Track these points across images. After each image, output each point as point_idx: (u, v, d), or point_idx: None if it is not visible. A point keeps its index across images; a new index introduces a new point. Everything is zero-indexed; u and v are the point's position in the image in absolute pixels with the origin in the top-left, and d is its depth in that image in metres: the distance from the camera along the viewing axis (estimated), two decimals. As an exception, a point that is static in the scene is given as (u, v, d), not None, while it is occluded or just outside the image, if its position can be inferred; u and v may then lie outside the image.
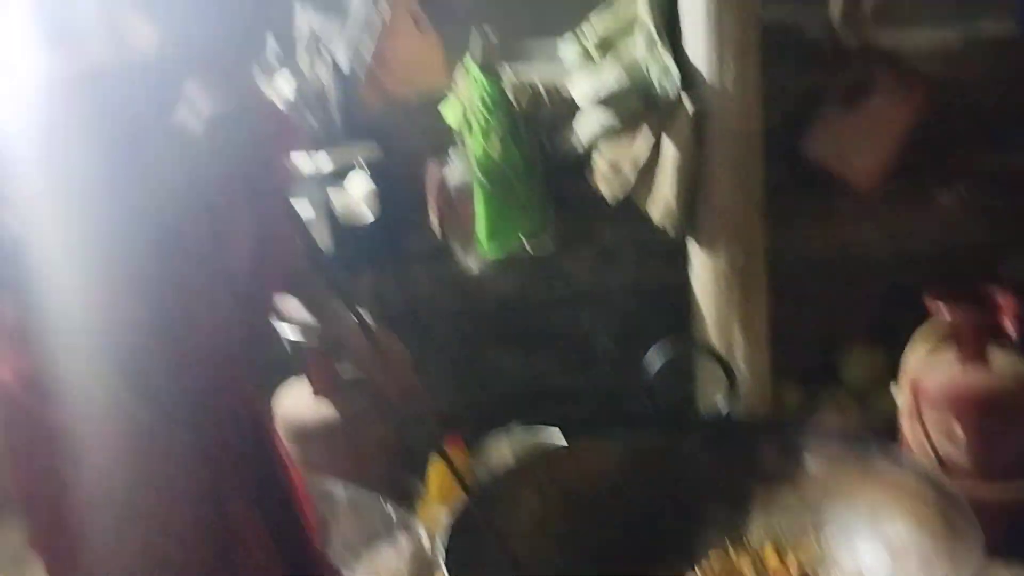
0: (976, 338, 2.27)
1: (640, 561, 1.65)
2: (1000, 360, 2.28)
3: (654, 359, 1.79)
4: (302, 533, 1.55)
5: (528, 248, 2.63)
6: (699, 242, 2.55)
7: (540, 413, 2.81)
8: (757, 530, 1.67)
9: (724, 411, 1.80)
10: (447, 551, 1.46)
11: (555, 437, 2.57)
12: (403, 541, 2.34)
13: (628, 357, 2.80)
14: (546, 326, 2.85)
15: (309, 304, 1.62)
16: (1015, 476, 2.21)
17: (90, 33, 1.32)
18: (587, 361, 2.87)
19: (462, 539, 1.51)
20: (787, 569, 1.60)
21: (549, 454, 1.78)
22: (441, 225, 2.69)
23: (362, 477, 2.38)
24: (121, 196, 1.27)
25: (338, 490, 2.30)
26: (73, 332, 1.32)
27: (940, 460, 2.24)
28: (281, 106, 2.48)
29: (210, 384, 1.43)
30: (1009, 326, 2.27)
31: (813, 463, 1.66)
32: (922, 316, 2.43)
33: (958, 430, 2.22)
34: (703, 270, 2.56)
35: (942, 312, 2.30)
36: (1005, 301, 2.28)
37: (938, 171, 2.75)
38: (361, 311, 1.55)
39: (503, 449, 2.56)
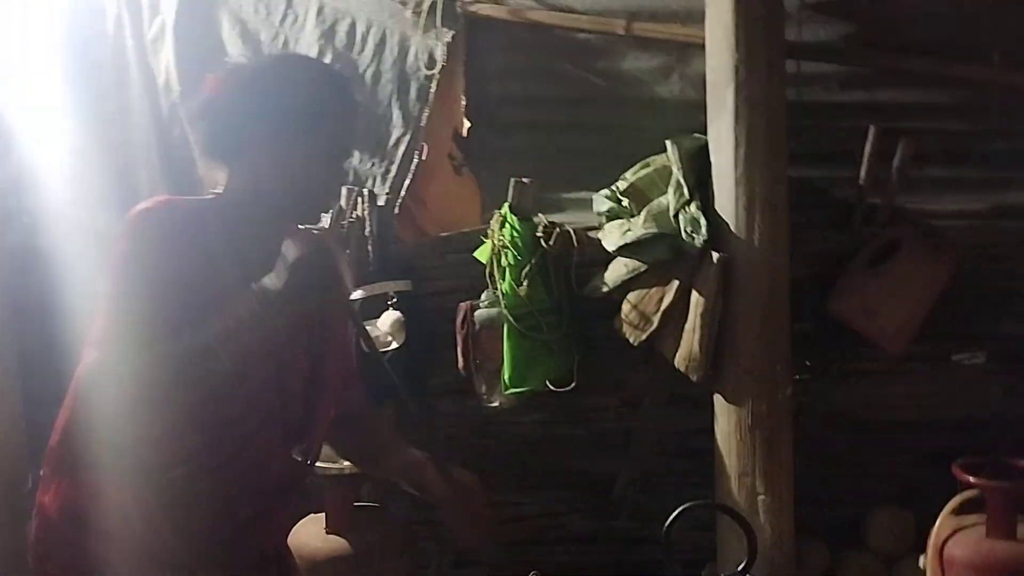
0: (1005, 510, 2.22)
1: None
2: (1031, 532, 2.22)
3: (670, 520, 1.75)
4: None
5: (551, 387, 2.64)
6: (722, 392, 2.54)
7: (560, 560, 2.77)
8: None
9: (741, 568, 1.75)
10: None
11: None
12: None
13: (648, 503, 2.79)
14: (566, 467, 2.83)
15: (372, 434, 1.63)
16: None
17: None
18: (606, 505, 2.83)
19: None
20: None
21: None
22: (466, 361, 2.71)
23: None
24: (192, 331, 1.26)
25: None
26: (121, 463, 1.32)
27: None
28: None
29: (248, 525, 1.43)
30: (1040, 499, 2.22)
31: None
32: (949, 481, 2.39)
33: (985, 605, 2.15)
34: (726, 420, 2.54)
35: (970, 483, 2.27)
36: (1035, 473, 2.24)
37: (963, 337, 2.74)
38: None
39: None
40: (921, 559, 2.39)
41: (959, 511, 2.32)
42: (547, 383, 2.63)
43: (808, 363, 2.70)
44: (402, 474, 1.59)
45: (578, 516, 2.85)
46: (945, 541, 2.26)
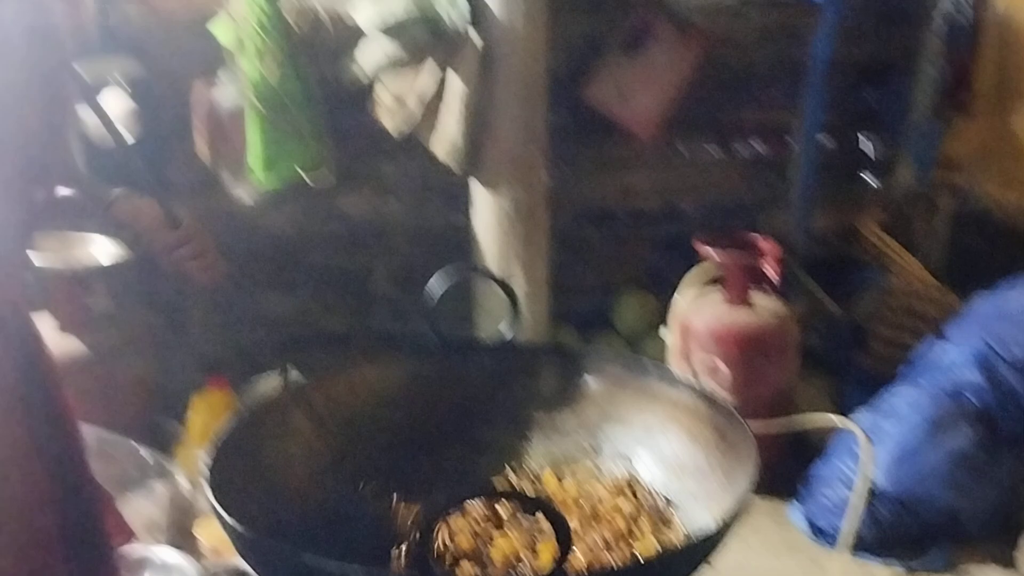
0: (740, 280, 2.38)
1: (421, 488, 1.59)
2: (762, 302, 2.40)
3: (437, 285, 1.72)
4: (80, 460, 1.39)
5: (307, 180, 2.49)
6: (483, 181, 2.52)
7: (315, 356, 2.70)
8: (537, 455, 1.64)
9: (507, 336, 1.76)
10: (210, 479, 1.33)
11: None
12: (159, 487, 2.17)
13: (407, 298, 2.76)
14: (322, 265, 2.72)
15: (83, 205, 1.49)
16: (774, 412, 2.34)
17: None
18: (365, 302, 2.77)
19: (227, 466, 1.38)
20: (564, 491, 1.59)
21: (324, 378, 1.66)
22: (210, 153, 2.49)
23: (113, 420, 2.17)
24: None
25: (85, 433, 2.08)
26: None
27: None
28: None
29: None
30: (770, 270, 2.39)
31: (592, 386, 1.65)
32: (691, 264, 2.52)
33: (722, 367, 2.32)
34: (486, 210, 2.53)
35: (710, 255, 2.40)
36: (767, 246, 2.40)
37: (709, 126, 2.86)
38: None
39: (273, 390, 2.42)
40: (662, 330, 2.53)
41: (700, 288, 2.47)
42: (300, 174, 2.48)
43: (562, 152, 2.71)
44: (131, 220, 1.52)
45: (334, 315, 2.77)
46: (686, 314, 2.40)
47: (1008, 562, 2.12)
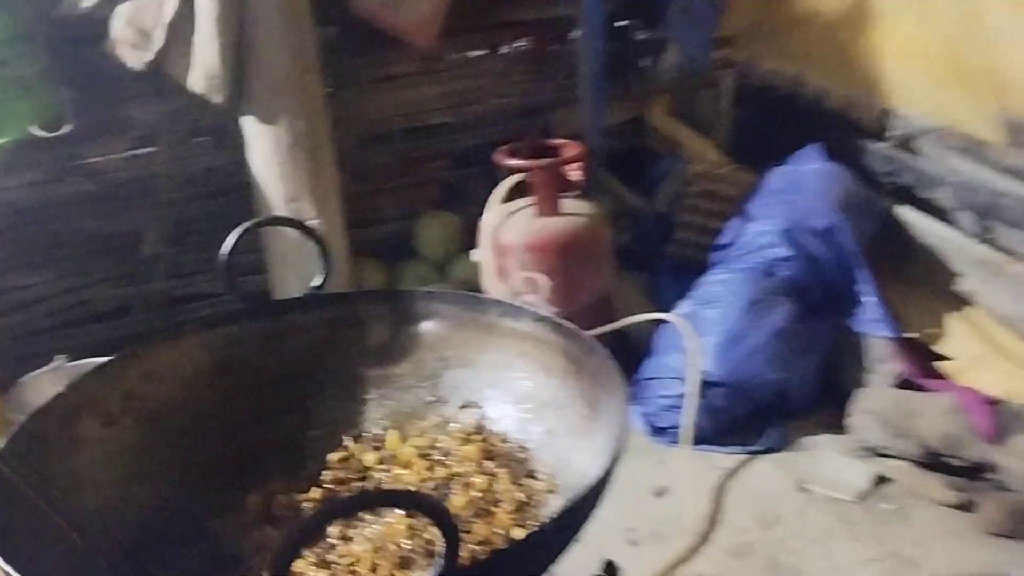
0: (548, 188, 2.27)
1: (250, 478, 1.38)
2: (571, 207, 2.30)
3: (228, 244, 1.48)
4: None
5: (40, 133, 2.12)
6: (253, 114, 2.24)
7: (89, 340, 2.37)
8: (377, 417, 1.47)
9: (317, 283, 1.55)
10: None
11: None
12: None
13: (189, 258, 2.46)
14: (81, 232, 2.36)
15: None
16: (597, 317, 2.27)
17: None
18: (136, 269, 2.44)
19: (6, 507, 1.12)
20: (414, 450, 1.43)
21: (110, 367, 1.39)
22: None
23: None
24: None
25: None
26: None
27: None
28: None
29: None
30: (576, 173, 2.29)
31: (426, 332, 1.49)
32: (490, 177, 2.38)
33: (542, 280, 2.21)
34: (262, 146, 2.26)
35: (513, 167, 2.26)
36: (569, 149, 2.30)
37: (487, 28, 2.70)
38: None
39: (46, 389, 2.09)
40: (472, 253, 2.39)
41: (508, 202, 2.33)
42: (30, 129, 2.11)
43: (337, 73, 2.47)
44: None
45: (104, 287, 2.43)
46: (497, 230, 2.27)
47: (837, 427, 2.19)
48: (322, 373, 1.49)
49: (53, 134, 2.13)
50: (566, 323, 1.37)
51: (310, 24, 2.24)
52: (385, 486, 1.30)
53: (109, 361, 1.42)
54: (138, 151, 2.37)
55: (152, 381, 1.41)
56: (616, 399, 1.22)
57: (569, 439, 1.33)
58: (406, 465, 1.40)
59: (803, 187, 2.42)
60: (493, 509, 1.26)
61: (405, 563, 1.18)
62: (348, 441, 1.46)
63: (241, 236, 1.48)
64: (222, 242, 1.44)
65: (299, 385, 1.48)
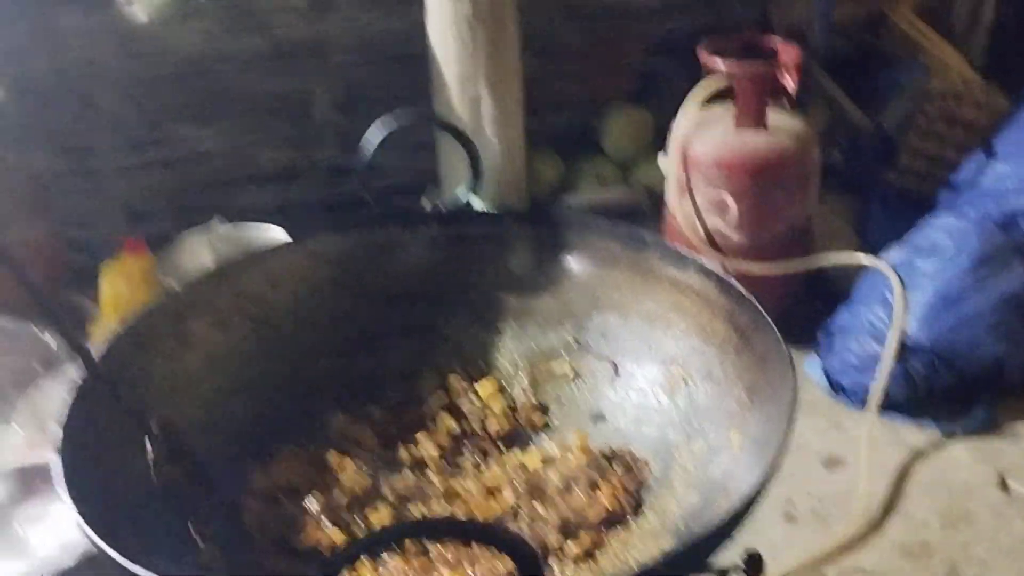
0: (753, 95, 1.95)
1: (355, 403, 1.26)
2: (778, 120, 1.98)
3: (374, 135, 1.32)
4: None
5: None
6: (433, -23, 2.04)
7: (251, 202, 2.30)
8: (508, 352, 1.30)
9: (463, 200, 1.37)
10: (68, 427, 0.98)
11: (266, 234, 2.09)
12: (73, 374, 1.84)
13: (355, 128, 2.33)
14: (247, 91, 2.26)
15: None
16: (791, 250, 1.99)
17: None
18: (304, 134, 2.34)
19: (88, 409, 1.03)
20: (530, 402, 1.27)
21: (230, 268, 1.28)
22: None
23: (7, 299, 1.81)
24: None
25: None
26: None
27: (710, 238, 1.97)
28: None
29: None
30: (789, 80, 1.96)
31: (576, 265, 1.29)
32: (692, 71, 2.08)
33: (732, 203, 1.94)
34: (441, 15, 2.06)
35: (717, 66, 1.95)
36: (786, 51, 1.96)
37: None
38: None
39: (200, 250, 2.05)
40: (660, 158, 2.12)
41: (705, 105, 2.03)
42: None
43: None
44: None
45: (270, 148, 2.34)
46: (687, 137, 1.99)
47: (1060, 417, 1.85)
48: (455, 295, 1.33)
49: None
50: (735, 284, 1.13)
51: None
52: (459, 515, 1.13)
53: (230, 262, 1.32)
54: (313, 7, 2.21)
55: (271, 285, 1.29)
56: (783, 397, 0.99)
57: (716, 426, 1.12)
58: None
59: (1071, 123, 1.99)
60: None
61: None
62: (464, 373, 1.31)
63: (388, 131, 1.32)
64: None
65: (429, 306, 1.33)
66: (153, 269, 1.96)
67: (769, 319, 1.06)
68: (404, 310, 1.32)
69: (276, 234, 2.07)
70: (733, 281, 1.14)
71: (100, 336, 1.91)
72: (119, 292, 1.93)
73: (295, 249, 1.33)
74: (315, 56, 2.26)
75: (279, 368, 1.25)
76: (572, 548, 1.06)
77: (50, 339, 1.83)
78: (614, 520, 1.08)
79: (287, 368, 1.26)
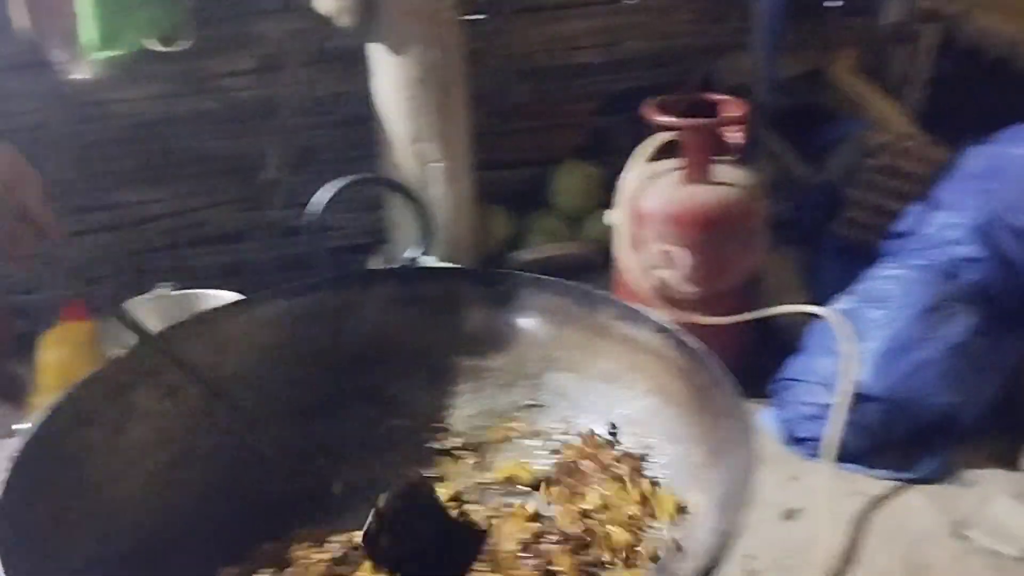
0: (700, 150, 1.98)
1: (311, 479, 1.22)
2: (725, 173, 2.01)
3: (322, 195, 1.31)
4: None
5: (161, 48, 1.99)
6: (382, 40, 2.04)
7: (201, 263, 2.27)
8: (465, 415, 1.28)
9: (415, 258, 1.36)
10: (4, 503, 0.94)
11: (216, 300, 2.04)
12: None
13: (303, 184, 2.31)
14: (198, 151, 2.24)
15: None
16: (742, 301, 2.00)
17: None
18: (255, 195, 2.32)
19: (27, 483, 0.99)
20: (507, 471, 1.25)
21: (177, 330, 1.25)
22: (33, 18, 1.96)
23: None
24: None
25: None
26: None
27: (660, 291, 1.98)
28: None
29: None
30: (734, 134, 2.00)
31: (529, 324, 1.28)
32: (637, 128, 2.11)
33: (682, 256, 1.95)
34: (389, 76, 2.07)
35: (662, 122, 1.98)
36: (731, 107, 2.00)
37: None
38: None
39: (146, 317, 1.99)
40: (607, 214, 2.14)
41: (652, 159, 2.06)
42: (150, 43, 1.97)
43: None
44: None
45: (220, 210, 2.32)
46: (636, 191, 2.01)
47: (1012, 461, 1.87)
48: (408, 357, 1.31)
49: (171, 48, 1.98)
50: (692, 341, 1.13)
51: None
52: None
53: (178, 323, 1.29)
54: (262, 70, 2.21)
55: (221, 351, 1.26)
56: (742, 458, 0.98)
57: (678, 488, 1.11)
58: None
59: (1007, 174, 2.03)
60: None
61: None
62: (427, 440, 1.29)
63: (340, 192, 1.31)
64: (340, 173, 1.29)
65: (382, 369, 1.31)
66: (95, 336, 1.91)
67: (727, 375, 1.05)
68: (357, 374, 1.30)
69: (226, 299, 2.03)
70: (689, 338, 1.13)
71: (39, 406, 1.86)
72: (60, 360, 1.88)
73: (243, 312, 1.31)
74: (265, 117, 2.25)
75: (229, 439, 1.22)
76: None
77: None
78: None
79: (237, 438, 1.22)
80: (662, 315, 1.18)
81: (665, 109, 2.00)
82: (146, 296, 2.02)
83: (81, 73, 1.99)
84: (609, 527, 1.09)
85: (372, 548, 1.03)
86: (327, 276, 1.33)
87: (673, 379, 1.14)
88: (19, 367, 1.93)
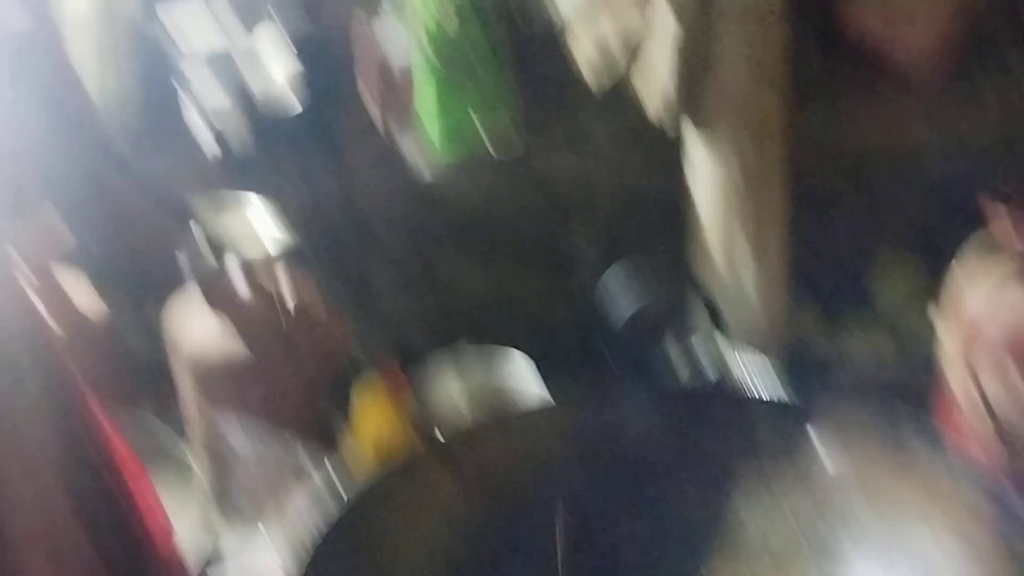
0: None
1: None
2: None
3: (610, 283, 1.32)
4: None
5: (490, 149, 2.15)
6: (701, 136, 2.05)
7: (503, 332, 2.39)
8: (745, 544, 1.24)
9: (710, 375, 1.34)
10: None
11: (511, 360, 2.11)
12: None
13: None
14: (516, 238, 2.38)
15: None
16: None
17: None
18: (563, 278, 2.41)
19: (336, 550, 1.09)
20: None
21: (478, 433, 1.33)
22: (384, 116, 2.20)
23: (273, 415, 1.94)
24: None
25: (236, 433, 1.88)
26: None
27: (992, 417, 1.78)
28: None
29: None
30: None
31: (828, 454, 1.21)
32: (975, 223, 1.91)
33: (1021, 381, 1.74)
34: (705, 171, 2.07)
35: (1003, 216, 1.77)
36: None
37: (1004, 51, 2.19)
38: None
39: (449, 376, 2.09)
40: (931, 310, 1.96)
41: (986, 258, 1.85)
42: (484, 144, 2.14)
43: (811, 92, 2.17)
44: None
45: (531, 287, 2.44)
46: (972, 302, 1.81)
47: None
48: (687, 476, 1.29)
49: (502, 150, 2.14)
50: (1008, 495, 1.02)
51: (781, 41, 1.99)
52: None
53: (482, 423, 1.35)
54: (581, 162, 2.30)
55: (509, 448, 1.32)
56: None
57: None
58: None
59: None
60: None
61: None
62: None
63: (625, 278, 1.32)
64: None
65: (658, 482, 1.30)
66: (407, 396, 2.01)
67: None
68: (632, 487, 1.29)
69: (519, 361, 2.09)
70: (1007, 493, 1.02)
71: (352, 460, 2.01)
72: (374, 413, 2.00)
73: (536, 415, 1.35)
74: (580, 205, 2.34)
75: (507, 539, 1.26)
76: None
77: (303, 454, 1.93)
78: None
79: (517, 532, 1.26)
80: (980, 466, 1.07)
81: (1006, 202, 1.80)
82: (447, 351, 2.13)
83: (422, 166, 2.20)
84: None
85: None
86: (616, 380, 1.34)
87: (982, 532, 1.03)
88: (332, 407, 2.08)
